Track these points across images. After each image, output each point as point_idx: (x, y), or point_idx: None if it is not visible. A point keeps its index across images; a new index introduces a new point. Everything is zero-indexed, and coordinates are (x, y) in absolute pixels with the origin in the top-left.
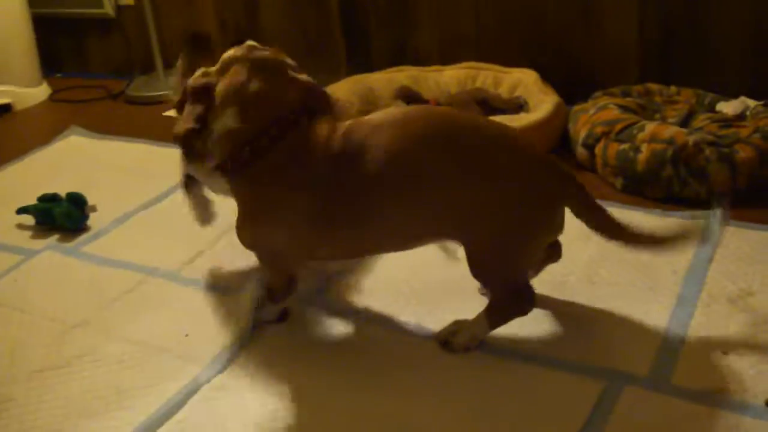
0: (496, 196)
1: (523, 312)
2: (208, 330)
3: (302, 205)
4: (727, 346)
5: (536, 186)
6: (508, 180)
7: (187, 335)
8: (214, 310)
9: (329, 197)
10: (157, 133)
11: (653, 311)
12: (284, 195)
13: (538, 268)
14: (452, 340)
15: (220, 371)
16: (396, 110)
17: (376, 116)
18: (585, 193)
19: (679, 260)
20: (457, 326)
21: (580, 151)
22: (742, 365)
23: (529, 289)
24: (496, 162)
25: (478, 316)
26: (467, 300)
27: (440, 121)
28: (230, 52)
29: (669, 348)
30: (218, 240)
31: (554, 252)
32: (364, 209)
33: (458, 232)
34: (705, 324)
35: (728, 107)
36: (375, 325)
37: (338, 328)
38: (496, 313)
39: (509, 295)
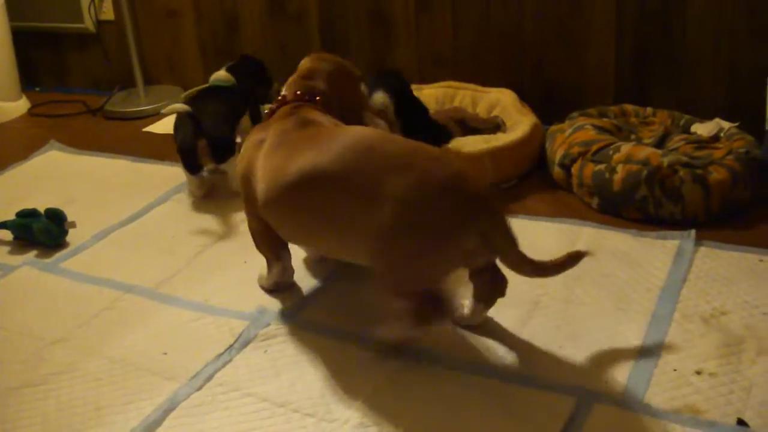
0: (393, 218)
1: (428, 323)
2: (187, 348)
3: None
4: (700, 365)
5: (434, 209)
6: (405, 202)
7: (165, 353)
8: (193, 327)
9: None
10: (136, 148)
11: (627, 330)
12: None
13: (485, 301)
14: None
15: (198, 389)
16: (338, 129)
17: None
18: (497, 219)
19: (653, 279)
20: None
21: (557, 171)
22: (714, 384)
23: (435, 303)
24: (396, 183)
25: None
26: None
27: (362, 141)
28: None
29: (642, 367)
30: (196, 257)
31: (495, 285)
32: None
33: (360, 247)
34: (678, 343)
35: (703, 129)
36: (350, 342)
37: (314, 345)
38: (407, 319)
39: (415, 306)
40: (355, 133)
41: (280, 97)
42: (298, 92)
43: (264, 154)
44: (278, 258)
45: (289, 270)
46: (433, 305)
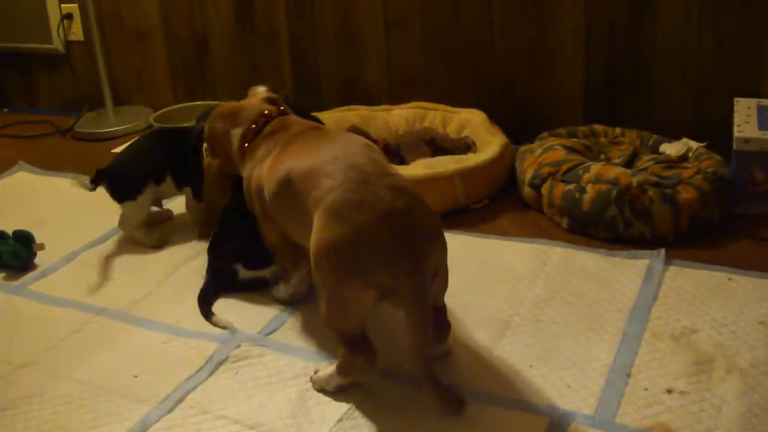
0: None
1: (353, 368)
2: (157, 370)
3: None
4: (671, 383)
5: (365, 234)
6: (320, 231)
7: (135, 376)
8: (163, 349)
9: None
10: None
11: (598, 349)
12: None
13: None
14: (313, 380)
15: (169, 411)
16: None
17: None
18: (413, 273)
19: (623, 299)
20: (318, 370)
21: (527, 191)
22: (685, 403)
23: (354, 348)
24: (322, 218)
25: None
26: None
27: (342, 150)
28: None
29: (614, 386)
30: (167, 278)
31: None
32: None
33: None
34: (649, 362)
35: (671, 148)
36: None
37: (286, 366)
38: (339, 363)
39: (342, 347)
40: (354, 141)
41: (267, 112)
42: (281, 108)
43: (284, 154)
44: (297, 267)
45: (306, 279)
46: (354, 348)
